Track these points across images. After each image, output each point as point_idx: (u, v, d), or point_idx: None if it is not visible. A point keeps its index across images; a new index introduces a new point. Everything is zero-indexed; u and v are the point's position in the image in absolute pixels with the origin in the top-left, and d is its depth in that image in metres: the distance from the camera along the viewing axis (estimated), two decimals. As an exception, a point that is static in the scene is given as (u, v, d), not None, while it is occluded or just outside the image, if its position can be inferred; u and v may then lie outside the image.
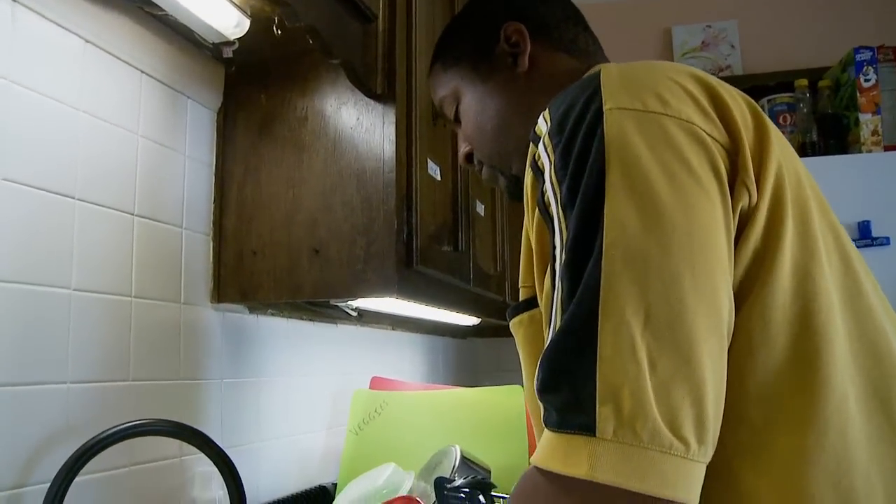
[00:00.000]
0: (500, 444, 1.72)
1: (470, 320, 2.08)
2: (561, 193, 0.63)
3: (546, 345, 0.60)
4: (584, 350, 0.56)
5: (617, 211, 0.59)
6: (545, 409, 0.59)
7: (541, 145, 0.68)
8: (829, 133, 2.60)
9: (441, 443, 1.67)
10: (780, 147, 0.68)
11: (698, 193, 0.60)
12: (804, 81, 2.68)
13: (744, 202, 0.63)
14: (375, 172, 1.35)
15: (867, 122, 2.46)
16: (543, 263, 0.70)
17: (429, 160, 1.50)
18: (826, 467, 0.60)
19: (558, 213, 0.64)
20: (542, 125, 0.69)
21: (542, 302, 0.70)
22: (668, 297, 0.56)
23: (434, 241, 1.49)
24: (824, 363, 0.62)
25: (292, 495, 1.61)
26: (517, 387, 1.78)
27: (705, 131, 0.63)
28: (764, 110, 2.72)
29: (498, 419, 1.77)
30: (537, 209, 0.69)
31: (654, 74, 0.68)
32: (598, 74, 0.68)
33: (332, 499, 1.67)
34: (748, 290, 0.62)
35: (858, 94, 2.49)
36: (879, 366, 0.65)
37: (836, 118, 2.60)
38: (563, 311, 0.60)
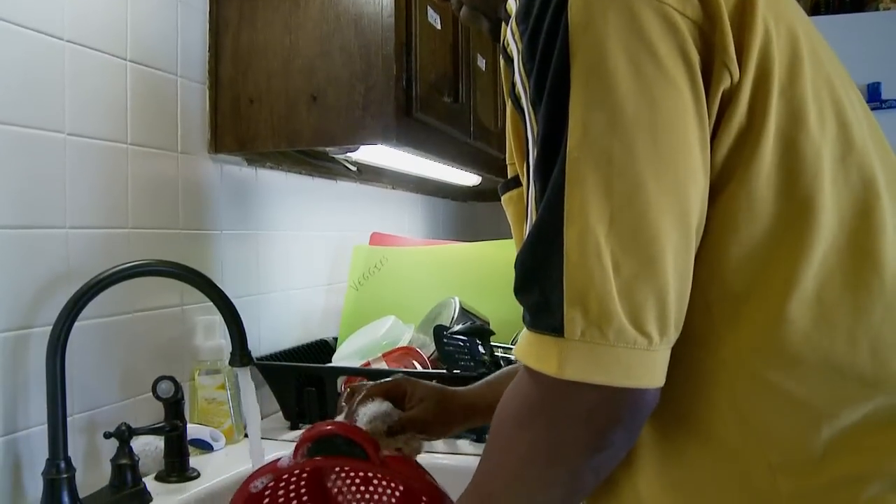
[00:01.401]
0: (499, 298, 1.73)
1: (470, 179, 2.07)
2: (529, 87, 0.63)
3: (521, 244, 0.62)
4: (552, 254, 0.58)
5: (581, 110, 0.58)
6: (522, 308, 0.62)
7: (509, 31, 0.66)
8: (845, -10, 2.51)
9: (440, 296, 1.69)
10: (769, 1, 0.64)
11: (664, 85, 0.58)
12: (822, -66, 2.57)
13: (725, 83, 0.61)
14: (374, 17, 1.31)
15: (886, -23, 2.37)
16: (521, 153, 0.70)
17: (429, 8, 1.45)
18: (804, 328, 0.61)
19: (528, 108, 0.63)
20: (512, 3, 0.67)
21: (524, 193, 0.70)
22: (631, 198, 0.57)
23: (434, 90, 1.47)
24: (808, 233, 0.62)
25: (294, 348, 1.65)
26: (516, 241, 1.78)
27: (678, 10, 0.59)
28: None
29: (497, 273, 1.78)
30: (510, 99, 0.68)
31: None
32: None
33: (333, 351, 1.70)
34: (733, 167, 0.62)
35: (880, -53, 2.39)
36: (867, 224, 0.64)
37: (853, -25, 2.51)
38: (537, 211, 0.61)
